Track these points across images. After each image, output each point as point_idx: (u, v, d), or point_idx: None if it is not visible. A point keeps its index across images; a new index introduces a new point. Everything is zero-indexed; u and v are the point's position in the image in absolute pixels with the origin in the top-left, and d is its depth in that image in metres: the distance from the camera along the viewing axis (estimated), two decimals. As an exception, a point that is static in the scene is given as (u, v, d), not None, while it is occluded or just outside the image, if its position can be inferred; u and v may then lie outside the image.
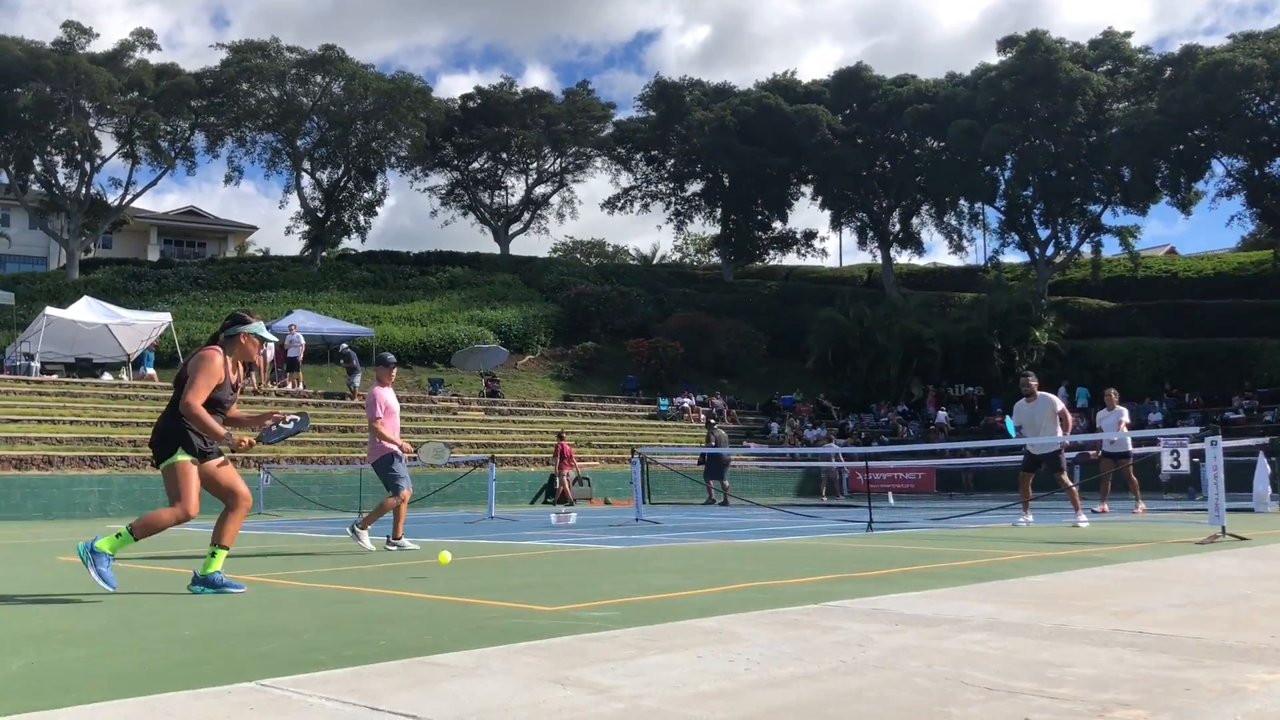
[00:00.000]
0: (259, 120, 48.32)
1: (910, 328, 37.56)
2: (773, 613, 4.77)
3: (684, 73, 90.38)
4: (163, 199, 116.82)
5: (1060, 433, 12.69)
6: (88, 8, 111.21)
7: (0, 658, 3.88)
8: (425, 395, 30.55)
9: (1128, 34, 46.31)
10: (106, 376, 26.75)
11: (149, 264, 48.97)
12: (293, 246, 54.67)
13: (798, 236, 57.09)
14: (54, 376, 25.94)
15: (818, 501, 24.84)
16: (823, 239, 58.48)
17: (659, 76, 55.51)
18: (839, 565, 7.57)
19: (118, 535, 5.85)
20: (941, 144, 47.48)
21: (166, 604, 5.65)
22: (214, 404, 5.97)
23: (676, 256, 72.14)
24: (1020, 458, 13.82)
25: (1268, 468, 15.71)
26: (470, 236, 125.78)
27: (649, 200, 58.16)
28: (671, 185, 57.32)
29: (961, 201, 49.32)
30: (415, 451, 10.15)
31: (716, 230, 57.70)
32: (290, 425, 6.27)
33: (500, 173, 57.59)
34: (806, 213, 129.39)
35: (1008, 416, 14.15)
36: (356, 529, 9.77)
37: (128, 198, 48.18)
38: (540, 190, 58.47)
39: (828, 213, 53.65)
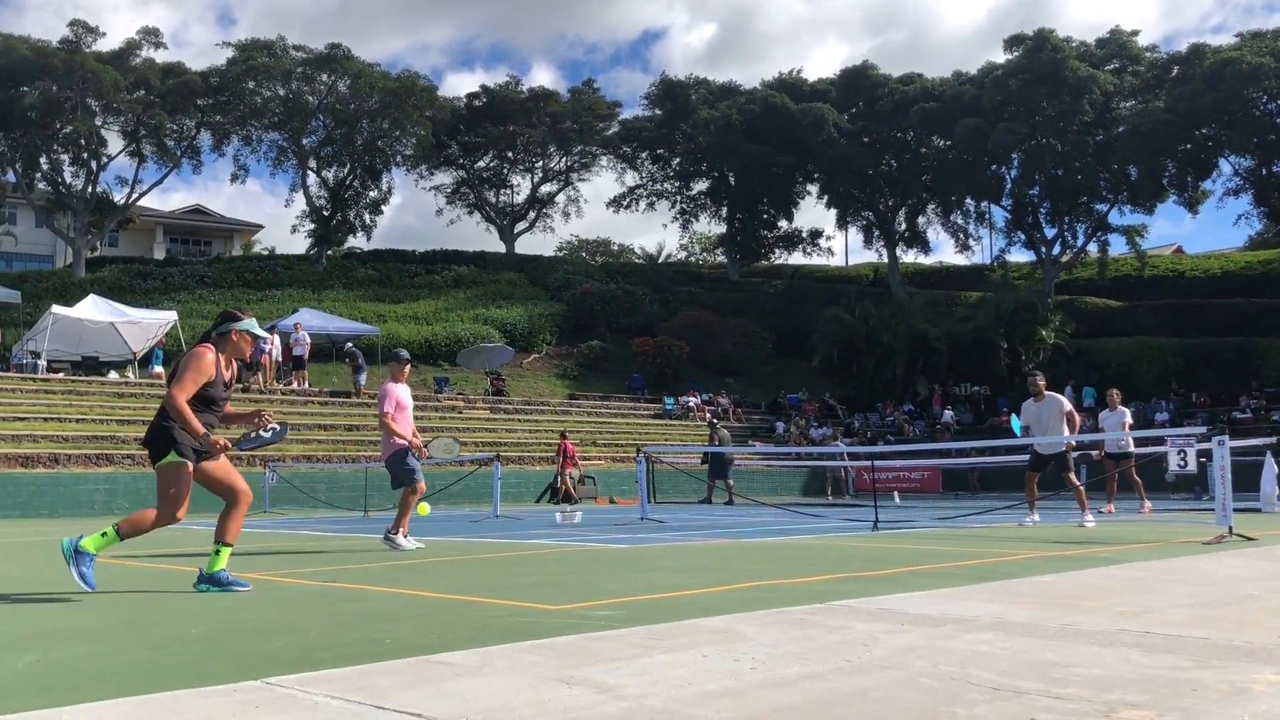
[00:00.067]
0: (265, 119, 48.38)
1: (916, 327, 37.50)
2: (778, 612, 4.77)
3: (690, 71, 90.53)
4: (169, 197, 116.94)
5: (1067, 433, 12.69)
6: (94, 6, 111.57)
7: (7, 655, 3.89)
8: (431, 394, 30.57)
9: (1135, 32, 46.21)
10: (112, 375, 26.83)
11: (155, 262, 49.04)
12: (298, 245, 54.84)
13: (803, 235, 57.07)
14: (60, 375, 26.02)
15: (823, 501, 24.80)
16: (828, 238, 58.30)
17: (664, 75, 55.56)
18: (844, 565, 7.56)
19: (103, 535, 5.82)
20: (948, 143, 47.42)
21: (173, 602, 5.66)
22: (209, 402, 5.96)
23: (682, 255, 72.23)
24: (1027, 457, 13.80)
25: (1275, 467, 15.65)
26: (475, 235, 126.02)
27: (654, 199, 58.22)
28: (677, 184, 57.30)
29: (968, 200, 49.25)
30: (426, 447, 10.10)
31: (722, 229, 57.68)
32: (268, 434, 6.29)
33: (506, 171, 57.62)
34: (812, 211, 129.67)
35: (1013, 415, 14.12)
36: (391, 537, 9.38)
37: (134, 196, 48.25)
38: (546, 189, 58.57)
39: (833, 211, 53.72)
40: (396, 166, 53.73)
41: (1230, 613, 4.71)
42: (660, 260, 69.95)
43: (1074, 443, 13.15)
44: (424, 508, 7.57)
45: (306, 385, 28.92)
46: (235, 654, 3.86)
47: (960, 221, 50.96)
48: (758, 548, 9.53)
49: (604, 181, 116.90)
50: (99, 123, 45.08)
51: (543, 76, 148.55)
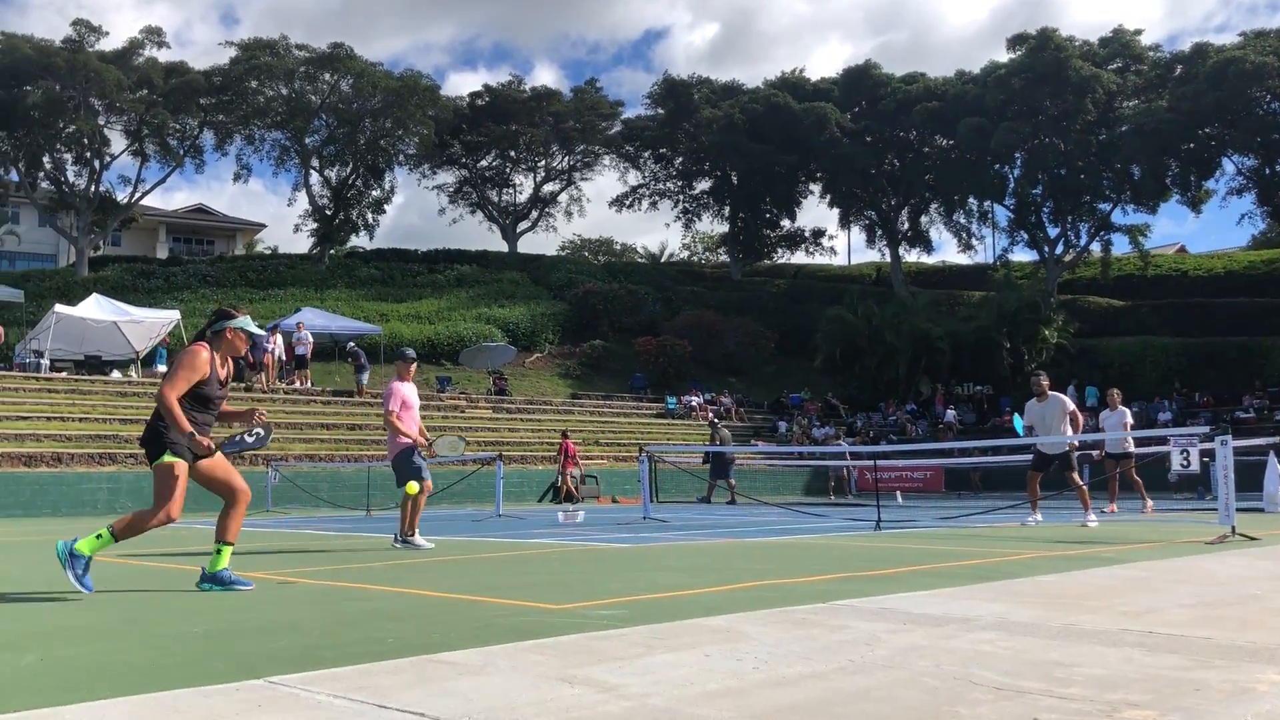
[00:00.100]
0: (268, 118, 48.41)
1: (919, 326, 37.47)
2: (780, 611, 4.76)
3: (692, 71, 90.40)
4: (172, 196, 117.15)
5: (1071, 432, 12.69)
6: (97, 6, 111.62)
7: (11, 654, 3.89)
8: (433, 393, 30.57)
9: (1138, 32, 46.19)
10: (115, 374, 26.84)
11: (158, 261, 49.11)
12: (301, 244, 54.93)
13: (806, 235, 57.09)
14: (63, 374, 26.04)
15: (826, 500, 24.81)
16: (831, 237, 58.50)
17: (667, 74, 55.62)
18: (847, 564, 7.56)
19: (98, 536, 5.80)
20: (950, 142, 47.38)
21: (175, 601, 5.66)
22: (204, 400, 5.94)
23: (684, 255, 72.21)
24: (1029, 457, 13.80)
25: (1278, 467, 15.62)
26: (478, 234, 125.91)
27: (657, 198, 58.24)
28: (680, 183, 57.32)
29: (970, 200, 49.24)
30: (431, 445, 10.11)
31: (725, 228, 57.65)
32: (253, 439, 6.29)
33: (508, 171, 57.67)
34: (815, 211, 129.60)
35: (1016, 415, 14.12)
36: (408, 539, 9.37)
37: (137, 195, 48.28)
38: (548, 188, 58.62)
39: (836, 211, 53.72)
40: (399, 166, 53.86)
41: (1233, 613, 4.71)
42: (663, 260, 69.93)
43: (1077, 443, 13.15)
44: (413, 487, 7.66)
45: (309, 384, 28.93)
46: (237, 653, 3.86)
47: (963, 221, 51.02)
48: (760, 547, 9.53)
49: (606, 181, 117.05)
50: (102, 122, 45.12)
51: (545, 76, 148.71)
